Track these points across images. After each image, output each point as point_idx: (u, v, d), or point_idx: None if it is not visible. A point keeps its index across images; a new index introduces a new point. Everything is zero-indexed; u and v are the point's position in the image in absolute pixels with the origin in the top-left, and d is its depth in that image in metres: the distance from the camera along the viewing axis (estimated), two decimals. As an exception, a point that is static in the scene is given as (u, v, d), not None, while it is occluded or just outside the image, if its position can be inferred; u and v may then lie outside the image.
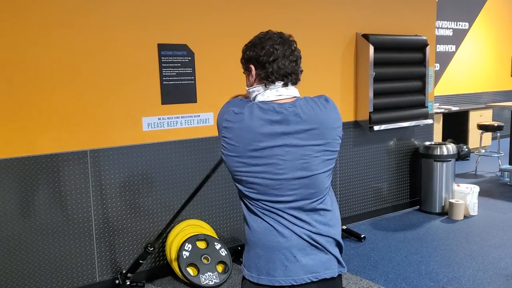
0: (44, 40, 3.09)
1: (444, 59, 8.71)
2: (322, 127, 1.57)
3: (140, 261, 3.24)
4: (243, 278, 1.72)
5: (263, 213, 1.61)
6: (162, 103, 3.58)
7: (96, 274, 3.40)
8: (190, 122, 3.72)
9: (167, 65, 3.57)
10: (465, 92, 9.19)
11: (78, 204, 3.29)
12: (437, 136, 7.42)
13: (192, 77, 3.70)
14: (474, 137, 8.11)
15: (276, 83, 1.61)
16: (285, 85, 1.62)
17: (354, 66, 4.70)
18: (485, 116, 8.46)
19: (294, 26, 4.21)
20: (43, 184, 3.16)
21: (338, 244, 1.75)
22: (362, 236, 4.39)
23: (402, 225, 4.83)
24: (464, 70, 9.12)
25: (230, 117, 1.58)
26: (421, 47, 4.96)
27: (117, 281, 3.38)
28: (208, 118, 3.80)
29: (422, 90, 5.06)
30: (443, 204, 5.10)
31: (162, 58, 3.54)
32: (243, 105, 1.60)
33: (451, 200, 5.02)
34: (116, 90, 3.37)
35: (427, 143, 5.23)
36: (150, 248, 3.19)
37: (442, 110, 7.81)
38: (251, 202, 1.62)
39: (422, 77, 5.03)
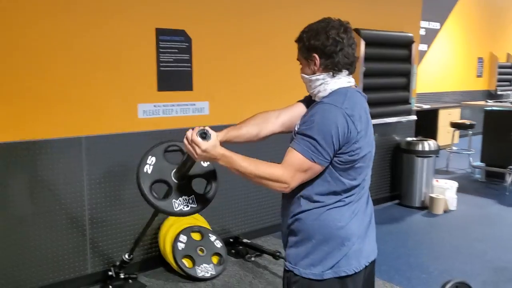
0: (35, 22, 2.91)
1: (420, 58, 8.91)
2: None
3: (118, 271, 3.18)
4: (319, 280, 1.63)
5: (354, 201, 1.66)
6: (158, 90, 3.46)
7: (88, 265, 3.26)
8: (186, 110, 3.62)
9: (165, 50, 3.45)
10: (434, 90, 9.46)
11: (71, 193, 3.14)
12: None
13: (189, 64, 3.60)
14: (443, 135, 8.37)
15: (343, 72, 1.63)
16: (350, 73, 1.66)
17: (344, 60, 4.71)
18: (453, 115, 8.74)
19: (284, 15, 4.18)
20: (33, 171, 2.99)
21: None
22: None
23: (385, 218, 4.92)
24: (435, 69, 9.37)
25: (350, 121, 1.54)
26: (407, 43, 5.05)
27: (109, 273, 3.25)
28: (203, 107, 3.71)
29: (406, 87, 5.15)
30: (423, 199, 5.22)
31: (160, 43, 3.42)
32: (342, 99, 1.58)
33: (431, 195, 5.14)
34: (111, 75, 3.23)
35: (409, 138, 5.33)
36: (128, 257, 3.11)
37: (414, 108, 8.00)
38: (349, 193, 1.64)
39: (407, 74, 5.12)
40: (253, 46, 3.95)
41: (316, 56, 1.61)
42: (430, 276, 3.54)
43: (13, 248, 2.95)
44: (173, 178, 1.93)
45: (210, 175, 1.96)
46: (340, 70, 1.61)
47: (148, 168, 1.94)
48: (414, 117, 5.30)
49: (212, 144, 1.59)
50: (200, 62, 3.65)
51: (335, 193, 1.60)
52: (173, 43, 3.49)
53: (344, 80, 1.63)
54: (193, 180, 1.97)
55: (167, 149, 2.00)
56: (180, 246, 3.39)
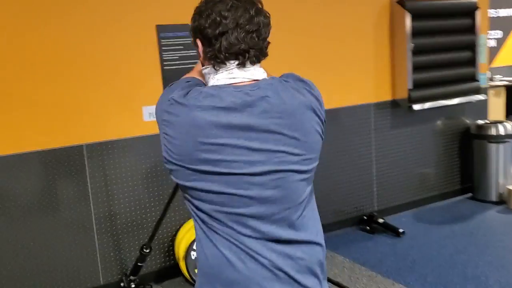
0: (31, 25, 2.85)
1: (508, 25, 7.75)
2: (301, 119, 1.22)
3: (139, 264, 2.98)
4: None
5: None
6: (164, 90, 3.26)
7: (100, 276, 3.19)
8: (197, 109, 3.38)
9: (168, 48, 3.24)
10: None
11: (76, 203, 3.07)
12: (499, 113, 6.61)
13: (196, 60, 3.34)
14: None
15: (228, 64, 1.21)
16: (241, 65, 1.22)
17: (389, 38, 4.14)
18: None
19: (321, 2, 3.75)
20: (36, 184, 2.96)
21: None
22: (401, 230, 3.88)
23: (450, 216, 4.26)
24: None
25: (171, 107, 1.20)
26: (469, 11, 4.29)
27: (122, 284, 3.15)
28: (217, 105, 3.44)
29: (471, 62, 4.40)
30: (500, 192, 4.45)
31: (162, 41, 3.22)
32: (190, 90, 1.22)
33: (510, 187, 4.36)
34: (112, 78, 3.10)
35: (480, 122, 4.57)
36: (146, 249, 2.93)
37: (505, 83, 6.95)
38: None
39: (472, 47, 4.36)
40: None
41: (198, 42, 1.24)
42: (485, 291, 2.94)
43: (22, 263, 2.96)
44: None
45: None
46: (223, 62, 1.21)
47: None
48: (482, 97, 4.51)
49: None
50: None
51: None
52: (177, 40, 3.26)
53: (223, 76, 1.22)
54: None
55: None
56: (194, 254, 3.18)
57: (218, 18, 1.18)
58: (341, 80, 3.95)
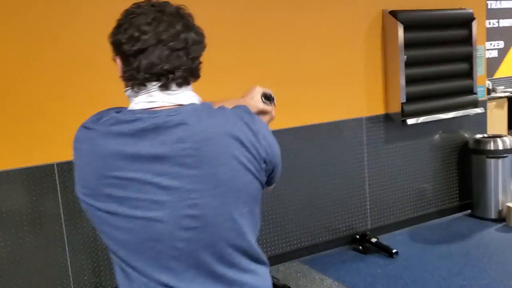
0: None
1: (509, 35, 7.58)
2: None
3: None
4: None
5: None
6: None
7: (73, 301, 3.03)
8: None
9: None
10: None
11: (50, 224, 2.93)
12: (501, 125, 6.42)
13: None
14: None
15: (149, 85, 1.05)
16: (164, 87, 1.05)
17: (381, 49, 3.99)
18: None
19: (305, 3, 3.62)
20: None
21: None
22: (394, 251, 3.70)
23: (447, 234, 4.08)
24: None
25: (79, 133, 1.07)
26: (465, 22, 4.14)
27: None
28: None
29: (469, 74, 4.23)
30: (499, 209, 4.26)
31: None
32: (105, 115, 1.07)
33: (509, 204, 4.17)
34: (100, 93, 2.97)
35: (478, 136, 4.39)
36: None
37: (508, 94, 6.76)
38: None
39: (468, 58, 4.20)
40: (254, 47, 3.46)
41: (118, 59, 1.08)
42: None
43: None
44: None
45: None
46: (142, 84, 1.04)
47: None
48: (480, 110, 4.33)
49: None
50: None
51: None
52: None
53: (141, 99, 1.06)
54: None
55: None
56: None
57: (136, 33, 1.02)
58: (331, 93, 3.80)
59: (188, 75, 1.07)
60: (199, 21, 1.14)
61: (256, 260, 1.11)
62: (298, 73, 3.66)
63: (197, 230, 1.00)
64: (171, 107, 1.05)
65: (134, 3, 1.10)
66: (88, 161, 1.04)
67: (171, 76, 1.04)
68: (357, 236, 3.93)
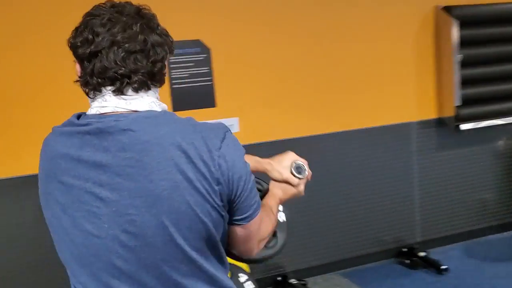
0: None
1: None
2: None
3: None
4: None
5: None
6: (174, 110, 3.08)
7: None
8: (210, 130, 3.17)
9: (177, 65, 3.07)
10: None
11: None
12: None
13: (209, 78, 3.14)
14: None
15: (104, 90, 0.99)
16: (118, 92, 0.98)
17: (433, 48, 3.68)
18: None
19: (349, 3, 3.41)
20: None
21: None
22: (443, 267, 3.40)
23: (508, 251, 3.69)
24: None
25: (44, 142, 1.06)
26: (532, 15, 3.72)
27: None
28: (232, 125, 3.21)
29: (536, 74, 3.81)
30: None
31: (171, 58, 3.04)
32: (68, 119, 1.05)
33: None
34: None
35: (546, 142, 3.94)
36: None
37: None
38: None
39: (536, 56, 3.78)
40: (287, 47, 3.30)
41: (76, 64, 1.03)
42: None
43: None
44: None
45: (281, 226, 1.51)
46: (95, 88, 0.99)
47: None
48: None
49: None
50: (223, 74, 3.17)
51: None
52: (187, 56, 3.08)
53: (96, 104, 1.00)
54: None
55: None
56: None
57: (90, 36, 0.97)
58: (377, 96, 3.56)
59: (147, 79, 1.00)
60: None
61: (214, 283, 1.00)
62: (343, 74, 3.46)
63: (136, 249, 0.92)
64: (124, 112, 0.98)
65: (95, 5, 1.04)
66: (42, 164, 1.03)
67: (126, 80, 0.98)
68: (404, 249, 3.67)
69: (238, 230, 1.04)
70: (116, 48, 0.96)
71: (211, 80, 3.14)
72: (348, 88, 3.47)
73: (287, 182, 1.23)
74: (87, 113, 1.03)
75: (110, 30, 0.96)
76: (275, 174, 1.20)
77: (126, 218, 0.91)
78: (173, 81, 3.07)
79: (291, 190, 1.24)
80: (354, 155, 3.56)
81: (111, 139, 0.93)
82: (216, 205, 0.96)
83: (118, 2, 1.02)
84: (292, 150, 1.34)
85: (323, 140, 3.45)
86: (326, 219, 3.52)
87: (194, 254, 0.94)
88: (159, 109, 1.02)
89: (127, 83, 0.97)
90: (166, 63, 1.05)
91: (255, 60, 3.22)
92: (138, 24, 0.98)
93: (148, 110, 0.99)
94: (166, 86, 3.05)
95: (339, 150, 3.50)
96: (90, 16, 0.99)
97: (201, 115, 3.11)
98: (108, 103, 0.99)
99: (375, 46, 3.52)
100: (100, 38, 0.96)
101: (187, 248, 0.93)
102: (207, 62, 3.12)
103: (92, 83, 0.98)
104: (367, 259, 3.68)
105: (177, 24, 3.02)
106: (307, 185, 1.30)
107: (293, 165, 1.24)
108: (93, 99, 1.01)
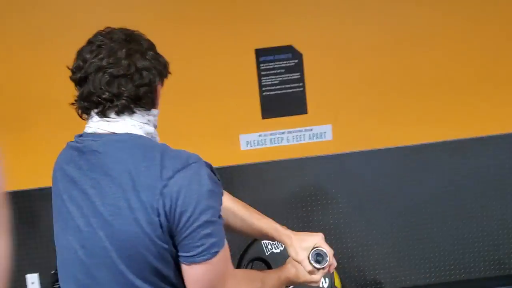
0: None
1: None
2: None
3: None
4: None
5: None
6: (263, 118, 3.09)
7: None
8: (300, 137, 3.09)
9: (267, 72, 3.06)
10: None
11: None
12: None
13: (301, 84, 3.07)
14: None
15: (92, 113, 1.09)
16: (101, 114, 1.06)
17: None
18: None
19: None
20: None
21: None
22: None
23: None
24: None
25: None
26: None
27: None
28: (324, 132, 3.09)
29: None
30: None
31: (261, 65, 3.05)
32: None
33: None
34: (208, 105, 3.07)
35: None
36: None
37: None
38: None
39: None
40: (387, 52, 3.05)
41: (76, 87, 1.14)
42: None
43: None
44: None
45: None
46: (84, 112, 1.09)
47: None
48: None
49: None
50: (316, 79, 3.07)
51: None
52: (277, 63, 3.05)
53: (86, 125, 1.11)
54: None
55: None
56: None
57: (80, 62, 1.06)
58: (473, 101, 3.08)
59: (131, 103, 1.03)
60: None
61: None
62: (433, 78, 3.08)
63: (91, 267, 0.95)
64: (103, 133, 1.05)
65: (96, 31, 1.13)
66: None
67: (108, 104, 1.03)
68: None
69: (184, 268, 0.99)
70: (101, 73, 1.01)
71: (302, 86, 3.07)
72: (457, 91, 3.09)
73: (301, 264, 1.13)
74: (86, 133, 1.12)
75: (97, 56, 1.03)
76: (291, 252, 1.12)
77: (84, 235, 0.96)
78: (263, 88, 3.07)
79: (304, 277, 1.12)
80: (461, 168, 3.15)
81: (84, 158, 1.00)
82: (155, 238, 0.93)
83: (111, 28, 1.08)
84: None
85: (421, 150, 3.11)
86: (431, 236, 3.19)
87: (139, 282, 0.93)
88: (140, 132, 1.04)
89: (109, 106, 1.03)
90: (158, 86, 1.09)
91: (350, 65, 3.06)
92: (124, 50, 1.02)
93: (125, 133, 1.02)
94: (255, 94, 3.06)
95: (445, 164, 3.12)
96: (86, 43, 1.08)
97: (291, 122, 3.09)
98: (92, 123, 1.07)
99: (465, 43, 3.05)
100: (88, 64, 1.03)
101: (131, 276, 0.93)
102: (298, 67, 3.05)
103: (81, 106, 1.08)
104: (484, 284, 3.25)
105: (269, 32, 3.05)
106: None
107: (313, 250, 1.11)
108: (87, 120, 1.11)
